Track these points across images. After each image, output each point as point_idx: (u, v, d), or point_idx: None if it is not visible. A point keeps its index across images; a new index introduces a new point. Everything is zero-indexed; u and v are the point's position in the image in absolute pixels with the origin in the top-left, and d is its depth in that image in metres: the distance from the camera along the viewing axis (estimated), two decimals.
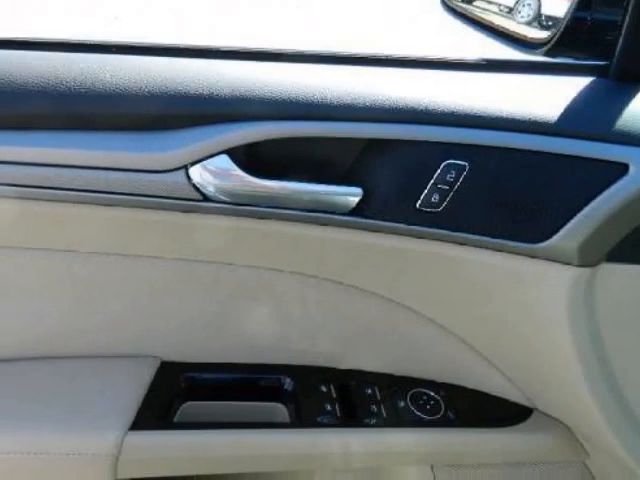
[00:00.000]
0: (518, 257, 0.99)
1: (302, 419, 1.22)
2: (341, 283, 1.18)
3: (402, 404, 1.25)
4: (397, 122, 0.97)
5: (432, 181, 0.96)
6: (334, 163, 1.02)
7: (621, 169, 0.90)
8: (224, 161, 0.97)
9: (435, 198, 0.97)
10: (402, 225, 1.00)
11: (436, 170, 0.96)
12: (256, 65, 1.04)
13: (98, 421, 1.10)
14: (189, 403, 1.24)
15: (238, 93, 0.97)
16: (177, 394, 1.25)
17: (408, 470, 1.34)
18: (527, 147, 0.94)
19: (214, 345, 1.28)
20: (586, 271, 0.96)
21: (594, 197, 0.90)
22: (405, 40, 1.19)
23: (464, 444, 1.22)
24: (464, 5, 1.43)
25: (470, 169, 0.95)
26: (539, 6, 1.22)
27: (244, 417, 1.24)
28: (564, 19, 1.04)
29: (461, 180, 0.95)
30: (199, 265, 1.16)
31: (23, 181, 0.98)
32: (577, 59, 1.07)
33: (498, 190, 0.96)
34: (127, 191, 0.99)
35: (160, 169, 0.97)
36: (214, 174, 0.97)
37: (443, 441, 1.21)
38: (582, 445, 1.23)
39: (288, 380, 1.30)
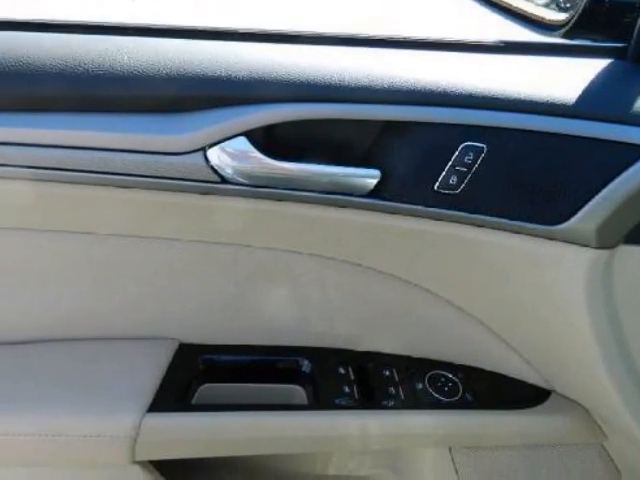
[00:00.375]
0: (536, 239, 0.99)
1: (320, 401, 1.22)
2: (359, 265, 1.18)
3: (420, 386, 1.26)
4: (415, 104, 0.97)
5: (450, 163, 0.96)
6: (352, 145, 1.02)
7: (639, 151, 0.90)
8: (242, 143, 0.97)
9: (453, 180, 0.97)
10: (420, 207, 1.00)
11: (454, 152, 0.96)
12: (274, 47, 1.04)
13: (116, 403, 1.11)
14: (207, 385, 1.25)
15: (256, 75, 0.97)
16: (195, 376, 1.25)
17: (426, 452, 1.35)
18: (545, 129, 0.94)
19: (232, 327, 1.29)
20: (604, 253, 0.96)
21: (612, 179, 0.90)
22: (423, 22, 1.19)
23: (482, 426, 1.23)
24: None
25: (488, 151, 0.95)
26: None
27: (262, 399, 1.25)
28: (582, 1, 1.03)
29: (479, 162, 0.95)
30: (217, 247, 1.16)
31: (40, 163, 0.98)
32: (595, 41, 1.06)
33: (516, 172, 0.96)
34: (145, 173, 0.99)
35: (178, 151, 0.98)
36: (232, 156, 0.98)
37: (461, 423, 1.22)
38: (600, 427, 1.23)
39: (306, 362, 1.30)
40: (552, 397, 1.26)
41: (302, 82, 0.97)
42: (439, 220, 1.02)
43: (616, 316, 1.03)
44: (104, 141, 0.97)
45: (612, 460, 1.28)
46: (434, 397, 1.24)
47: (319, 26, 1.08)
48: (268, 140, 1.00)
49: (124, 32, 1.03)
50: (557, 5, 1.20)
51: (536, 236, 0.99)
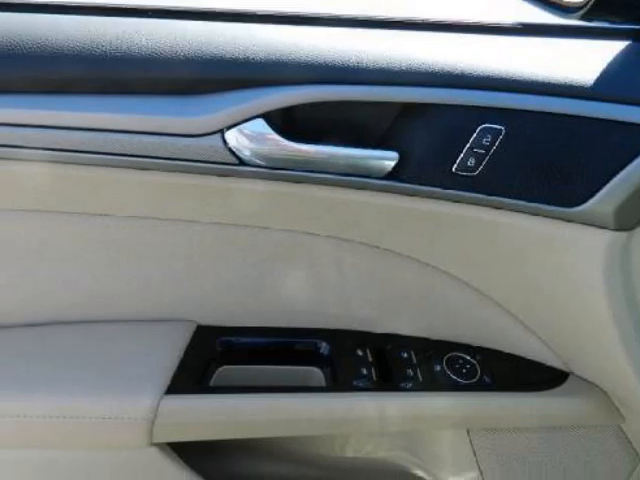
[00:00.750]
0: (554, 221, 0.99)
1: (338, 383, 1.23)
2: (377, 247, 1.19)
3: (438, 368, 1.27)
4: (433, 86, 0.97)
5: (468, 145, 0.97)
6: (370, 127, 1.03)
7: None
8: (260, 125, 0.98)
9: (471, 162, 0.97)
10: (438, 189, 1.01)
11: (472, 134, 0.96)
12: (292, 29, 1.04)
13: (133, 385, 1.12)
14: (225, 367, 1.26)
15: (274, 57, 0.98)
16: (213, 358, 1.26)
17: (444, 434, 1.37)
18: (563, 111, 0.94)
19: (250, 309, 1.29)
20: (622, 235, 0.96)
21: (630, 161, 0.91)
22: (441, 4, 1.19)
23: (500, 408, 1.23)
24: None
25: (506, 133, 0.95)
26: None
27: (280, 381, 1.25)
28: None
29: (497, 144, 0.96)
30: (235, 229, 1.17)
31: (59, 145, 0.98)
32: (613, 23, 1.06)
33: (534, 154, 0.96)
34: (163, 155, 1.00)
35: (196, 133, 0.98)
36: (250, 138, 0.98)
37: (479, 405, 1.22)
38: (618, 409, 1.23)
39: (324, 344, 1.31)
40: (570, 379, 1.26)
41: (320, 64, 0.97)
42: (457, 202, 1.03)
43: (634, 298, 1.03)
44: (122, 123, 0.98)
45: (630, 442, 1.28)
46: (452, 379, 1.25)
47: (337, 8, 1.08)
48: (286, 122, 1.00)
49: (142, 14, 1.04)
50: None
51: (554, 218, 0.99)
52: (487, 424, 1.28)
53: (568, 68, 0.98)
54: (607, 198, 0.93)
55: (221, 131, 0.98)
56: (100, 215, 1.15)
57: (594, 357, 1.18)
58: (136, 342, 1.23)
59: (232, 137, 0.98)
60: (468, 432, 1.30)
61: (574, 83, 0.95)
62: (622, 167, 0.91)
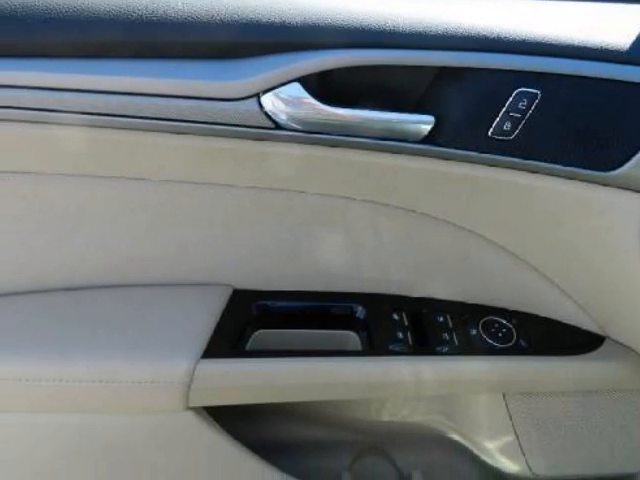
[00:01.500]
0: (590, 185, 1.01)
1: (374, 347, 1.25)
2: (413, 211, 1.20)
3: (474, 332, 1.28)
4: (469, 50, 0.98)
5: (504, 109, 0.98)
6: (406, 91, 1.03)
7: None
8: (296, 89, 0.99)
9: (507, 126, 0.98)
10: (474, 153, 1.03)
11: (508, 98, 0.97)
12: None
13: (170, 349, 1.14)
14: (261, 331, 1.28)
15: (310, 21, 0.99)
16: (249, 322, 1.28)
17: (480, 398, 1.39)
18: (599, 75, 0.95)
19: (286, 273, 1.31)
20: None
21: None
22: None
23: (536, 372, 1.24)
24: None
25: (542, 97, 0.97)
26: None
27: (316, 345, 1.28)
28: None
29: (533, 108, 0.97)
30: (271, 193, 1.18)
31: (96, 109, 1.00)
32: None
33: (570, 118, 0.97)
34: (199, 119, 1.01)
35: (232, 97, 0.99)
36: (286, 102, 0.99)
37: (515, 369, 1.23)
38: None
39: (360, 308, 1.32)
40: (606, 343, 1.27)
41: (356, 28, 0.99)
42: (493, 166, 1.04)
43: None
44: (159, 87, 0.99)
45: None
46: (488, 343, 1.26)
47: None
48: (322, 86, 1.01)
49: None
50: None
51: (590, 182, 1.01)
52: (523, 388, 1.29)
53: (604, 32, 0.99)
54: None
55: (257, 95, 0.99)
56: (137, 179, 1.16)
57: (630, 321, 1.19)
58: (173, 306, 1.25)
59: (268, 101, 0.99)
60: (504, 396, 1.32)
61: (610, 47, 0.96)
62: None
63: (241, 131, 1.03)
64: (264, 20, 0.99)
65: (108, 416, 1.15)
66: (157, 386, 1.10)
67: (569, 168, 1.00)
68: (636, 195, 0.98)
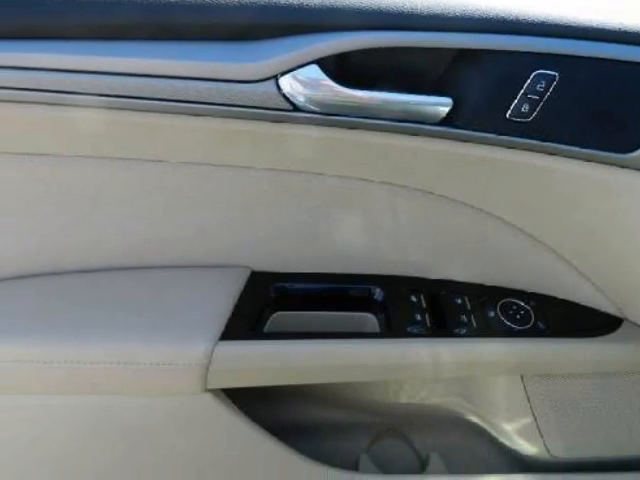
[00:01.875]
0: (608, 167, 1.02)
1: (392, 329, 1.26)
2: (431, 193, 1.21)
3: (492, 314, 1.29)
4: (487, 32, 0.98)
5: (522, 91, 0.99)
6: (424, 73, 1.03)
7: None
8: (314, 71, 0.99)
9: (525, 108, 0.99)
10: (492, 135, 1.03)
11: (526, 80, 0.98)
12: None
13: (188, 331, 1.15)
14: (279, 313, 1.30)
15: (329, 3, 0.99)
16: (267, 304, 1.30)
17: (498, 380, 1.40)
18: (617, 57, 0.96)
19: (304, 255, 1.33)
20: None
21: None
22: None
23: (554, 354, 1.25)
24: None
25: (560, 79, 0.97)
26: None
27: (334, 327, 1.29)
28: None
29: (551, 90, 0.98)
30: (289, 175, 1.19)
31: (114, 91, 1.00)
32: None
33: (588, 100, 0.98)
34: (217, 101, 1.01)
35: (250, 79, 0.99)
36: (304, 84, 0.99)
37: (533, 351, 1.24)
38: None
39: (378, 290, 1.33)
40: (624, 325, 1.27)
41: (375, 10, 0.99)
42: (511, 148, 1.05)
43: None
44: (177, 69, 0.99)
45: None
46: (506, 325, 1.27)
47: None
48: (340, 68, 1.01)
49: None
50: None
51: (608, 164, 1.02)
52: (541, 370, 1.31)
53: (622, 14, 0.99)
54: None
55: (275, 77, 1.00)
56: (155, 161, 1.17)
57: None
58: (191, 288, 1.26)
59: (286, 83, 1.00)
60: (522, 378, 1.33)
61: (629, 29, 0.97)
62: None
63: (259, 113, 1.04)
64: (282, 2, 0.99)
65: (126, 398, 1.16)
66: (175, 368, 1.11)
67: (587, 150, 1.01)
68: None
